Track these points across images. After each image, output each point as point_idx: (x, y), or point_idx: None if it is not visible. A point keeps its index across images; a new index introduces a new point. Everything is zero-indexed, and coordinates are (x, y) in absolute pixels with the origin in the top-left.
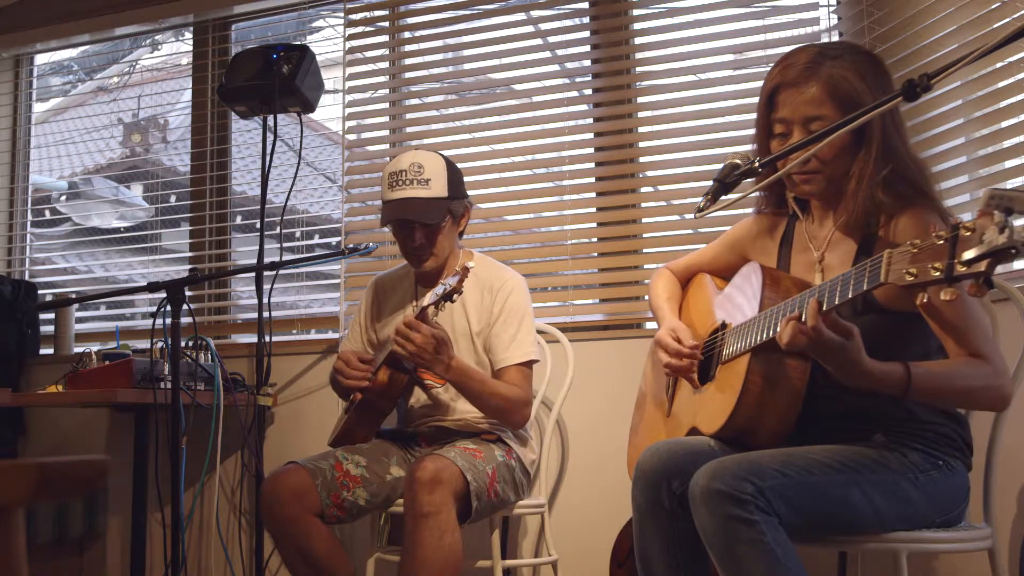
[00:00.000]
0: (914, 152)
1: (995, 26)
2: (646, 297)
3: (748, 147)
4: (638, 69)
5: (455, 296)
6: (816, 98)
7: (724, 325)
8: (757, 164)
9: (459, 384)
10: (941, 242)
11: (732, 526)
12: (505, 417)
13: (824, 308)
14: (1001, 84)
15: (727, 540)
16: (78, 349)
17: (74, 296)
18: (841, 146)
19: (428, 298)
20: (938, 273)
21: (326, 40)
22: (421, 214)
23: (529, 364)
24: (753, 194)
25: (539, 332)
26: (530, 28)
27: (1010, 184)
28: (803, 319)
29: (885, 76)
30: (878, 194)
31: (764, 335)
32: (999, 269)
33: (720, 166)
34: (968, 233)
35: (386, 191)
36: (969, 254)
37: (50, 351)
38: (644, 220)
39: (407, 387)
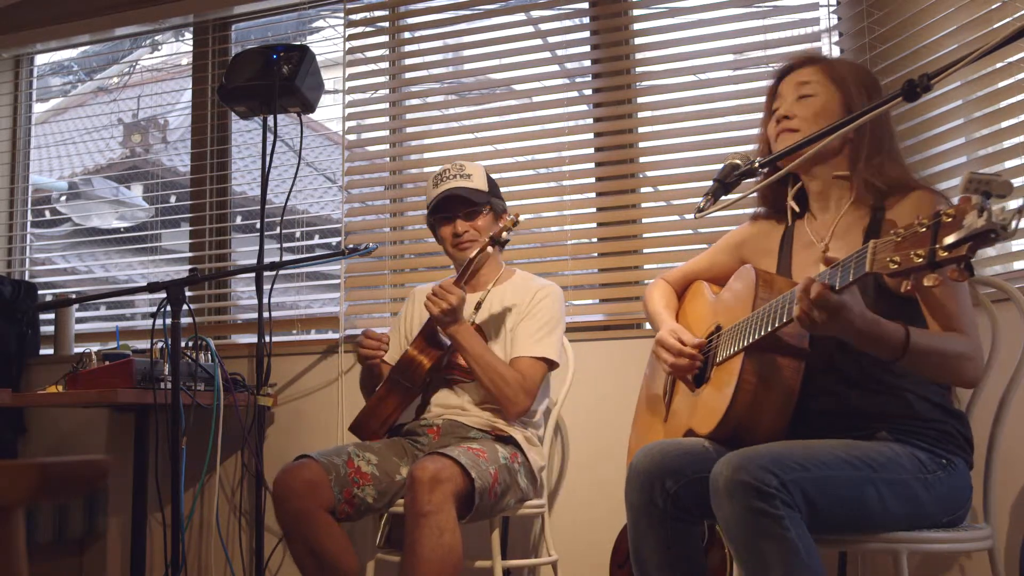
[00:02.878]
0: (900, 153)
1: (995, 26)
2: (642, 299)
3: (748, 147)
4: (638, 69)
5: (504, 236)
6: (809, 71)
7: (719, 328)
8: (757, 164)
9: (463, 345)
10: (923, 229)
11: (756, 519)
12: (501, 398)
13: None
14: (1001, 84)
15: (750, 533)
16: (78, 349)
17: (74, 296)
18: (821, 108)
19: (476, 248)
20: (920, 259)
21: (326, 40)
22: (463, 192)
23: (545, 361)
24: (752, 194)
25: None
26: (530, 28)
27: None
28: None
29: (877, 84)
30: (884, 174)
31: (757, 334)
32: (998, 268)
33: (720, 166)
34: (949, 219)
35: (430, 191)
36: (950, 239)
37: (50, 351)
38: (644, 220)
39: (437, 365)
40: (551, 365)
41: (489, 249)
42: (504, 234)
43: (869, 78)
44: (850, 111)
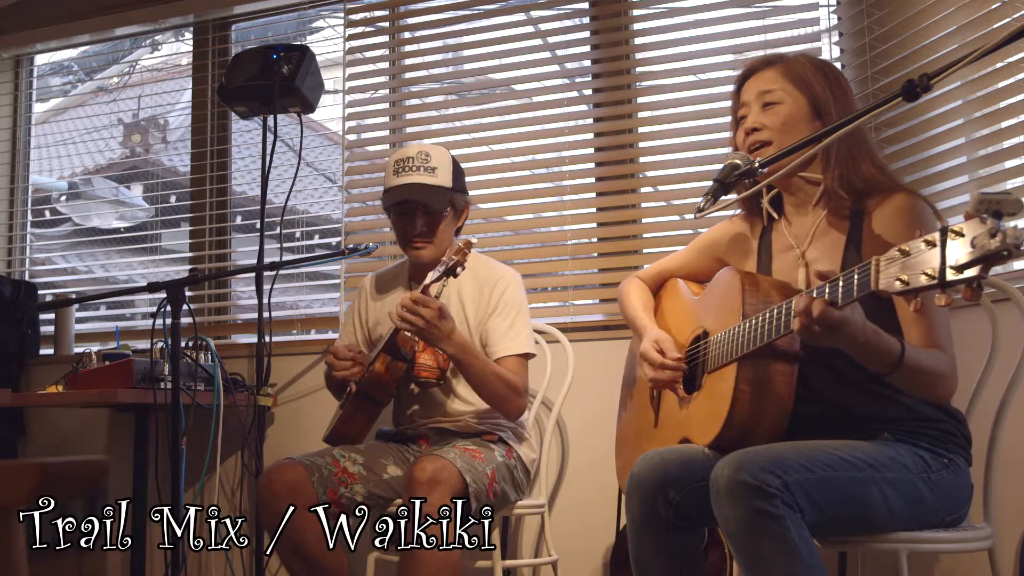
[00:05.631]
0: (875, 151)
1: (995, 26)
2: (617, 298)
3: None
4: (638, 69)
5: (459, 270)
6: (770, 77)
7: (706, 333)
8: (757, 164)
9: (462, 361)
10: (929, 247)
11: (757, 520)
12: (504, 403)
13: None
14: (1001, 84)
15: (751, 534)
16: (78, 349)
17: (74, 296)
18: (788, 116)
19: (431, 275)
20: (930, 279)
21: (326, 40)
22: (425, 197)
23: (525, 357)
24: (744, 195)
25: (539, 332)
26: (530, 28)
27: (1009, 184)
28: (811, 314)
29: (841, 78)
30: (859, 174)
31: (752, 344)
32: (998, 269)
33: (720, 166)
34: (957, 238)
35: (390, 178)
36: (962, 259)
37: (50, 351)
38: (644, 220)
39: (404, 377)
40: (531, 355)
41: (444, 280)
42: (459, 268)
43: (828, 68)
44: (818, 109)
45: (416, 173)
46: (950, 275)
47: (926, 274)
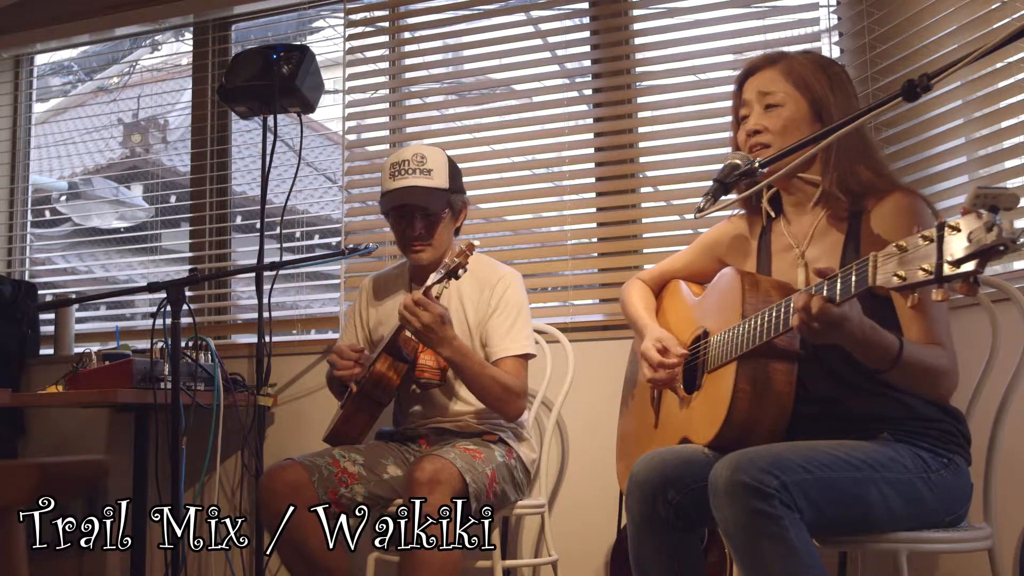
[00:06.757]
0: (879, 156)
1: (995, 26)
2: (619, 299)
3: None
4: (638, 69)
5: (460, 272)
6: (772, 77)
7: (706, 333)
8: (757, 164)
9: (459, 365)
10: (927, 242)
11: (756, 520)
12: (502, 406)
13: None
14: (1001, 84)
15: (749, 534)
16: (78, 349)
17: (74, 296)
18: (789, 119)
19: (433, 277)
20: (927, 274)
21: (326, 40)
22: (423, 201)
23: (525, 357)
24: (745, 194)
25: (539, 332)
26: (530, 28)
27: (1009, 184)
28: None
29: (845, 77)
30: (858, 176)
31: (752, 343)
32: (998, 268)
33: (720, 166)
34: (954, 233)
35: (387, 181)
36: (958, 254)
37: (50, 351)
38: (644, 220)
39: (405, 378)
40: (531, 356)
41: (446, 282)
42: (460, 271)
43: (830, 67)
44: (819, 111)
45: (412, 176)
46: (947, 270)
47: (923, 269)
